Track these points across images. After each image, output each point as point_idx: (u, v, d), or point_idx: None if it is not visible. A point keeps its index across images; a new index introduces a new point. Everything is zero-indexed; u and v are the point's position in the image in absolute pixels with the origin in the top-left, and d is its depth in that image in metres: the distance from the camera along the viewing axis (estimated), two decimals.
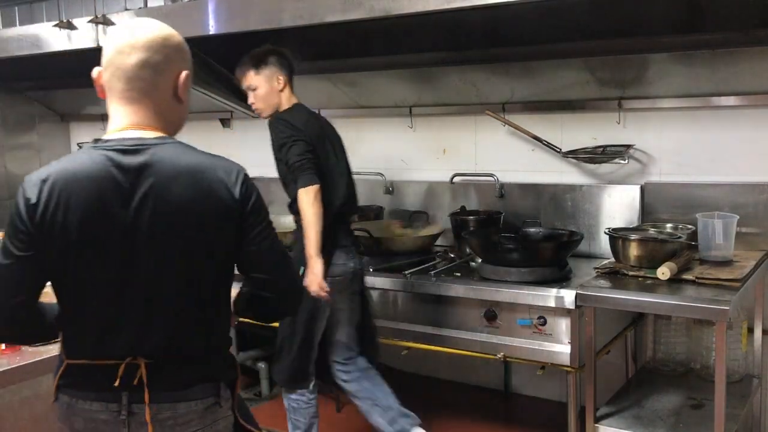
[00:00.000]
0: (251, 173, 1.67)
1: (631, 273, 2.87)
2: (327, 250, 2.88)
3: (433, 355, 3.54)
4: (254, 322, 1.95)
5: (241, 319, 1.84)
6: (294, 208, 2.92)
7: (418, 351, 3.27)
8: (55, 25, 3.70)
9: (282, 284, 1.69)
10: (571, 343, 2.85)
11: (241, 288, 1.73)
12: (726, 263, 2.91)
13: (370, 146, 4.23)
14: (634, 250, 2.92)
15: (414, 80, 3.83)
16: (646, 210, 3.39)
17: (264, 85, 3.01)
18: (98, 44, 3.59)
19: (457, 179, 3.91)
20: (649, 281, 2.79)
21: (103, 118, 6.00)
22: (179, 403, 1.58)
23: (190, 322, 1.60)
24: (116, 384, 1.54)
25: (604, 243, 3.25)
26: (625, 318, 3.26)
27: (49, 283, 1.61)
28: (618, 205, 3.44)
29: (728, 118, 3.25)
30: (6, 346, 2.17)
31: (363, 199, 4.14)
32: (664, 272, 2.74)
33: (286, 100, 3.06)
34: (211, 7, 3.18)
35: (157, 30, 1.60)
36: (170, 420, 1.58)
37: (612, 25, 3.15)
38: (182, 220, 1.54)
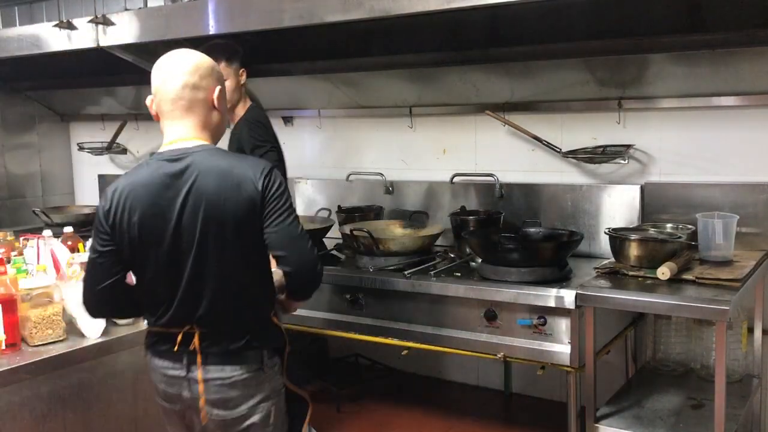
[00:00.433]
0: None
1: (631, 273, 2.87)
2: None
3: (433, 355, 3.55)
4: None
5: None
6: None
7: (418, 351, 3.27)
8: (55, 25, 3.70)
9: (296, 259, 1.94)
10: (571, 343, 2.85)
11: (277, 268, 2.00)
12: (726, 263, 2.91)
13: (370, 146, 4.23)
14: (634, 250, 2.92)
15: (414, 80, 3.83)
16: (646, 210, 3.39)
17: (233, 78, 3.11)
18: (98, 44, 3.58)
19: (457, 179, 3.91)
20: (649, 281, 2.79)
21: (103, 118, 6.03)
22: (226, 366, 1.92)
23: (232, 297, 1.92)
24: (175, 349, 1.92)
25: (604, 243, 3.25)
26: (625, 318, 3.26)
27: None
28: (618, 205, 3.44)
29: (728, 118, 3.25)
30: (6, 346, 2.17)
31: (363, 199, 4.17)
32: (664, 272, 2.74)
33: (243, 97, 3.20)
34: (211, 7, 3.17)
35: (190, 57, 1.96)
36: (218, 380, 1.92)
37: (612, 25, 3.16)
38: (216, 211, 1.87)
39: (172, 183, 1.89)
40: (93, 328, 2.32)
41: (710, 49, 3.00)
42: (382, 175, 4.12)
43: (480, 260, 3.19)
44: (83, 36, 3.62)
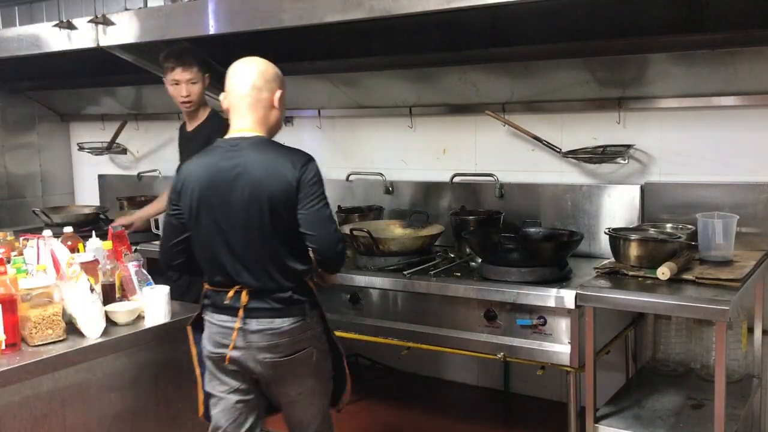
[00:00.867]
0: None
1: (631, 273, 2.87)
2: None
3: (433, 355, 3.55)
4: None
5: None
6: None
7: (418, 351, 3.27)
8: (55, 25, 3.69)
9: (320, 238, 2.30)
10: (571, 343, 2.85)
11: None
12: (726, 263, 2.91)
13: (370, 146, 4.23)
14: (634, 250, 2.92)
15: (414, 80, 3.83)
16: (646, 210, 3.39)
17: (201, 82, 3.46)
18: (98, 44, 3.58)
19: (457, 179, 3.91)
20: (649, 281, 2.79)
21: (103, 117, 6.03)
22: (275, 319, 2.29)
23: (274, 262, 2.28)
24: (228, 302, 2.29)
25: (604, 243, 3.25)
26: (625, 318, 3.26)
27: None
28: (618, 205, 3.44)
29: (728, 118, 3.25)
30: (6, 346, 2.17)
31: (363, 199, 4.17)
32: (664, 272, 2.74)
33: (204, 103, 3.56)
34: (211, 7, 3.17)
35: (259, 64, 2.39)
36: (269, 330, 2.29)
37: (612, 25, 3.15)
38: (260, 192, 2.25)
39: (227, 166, 2.29)
40: (93, 328, 2.32)
41: (710, 49, 2.99)
42: (382, 175, 4.12)
43: (480, 260, 3.19)
44: (83, 36, 3.62)
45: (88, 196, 5.69)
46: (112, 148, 5.33)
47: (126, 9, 3.60)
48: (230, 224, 2.27)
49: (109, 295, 2.54)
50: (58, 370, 2.18)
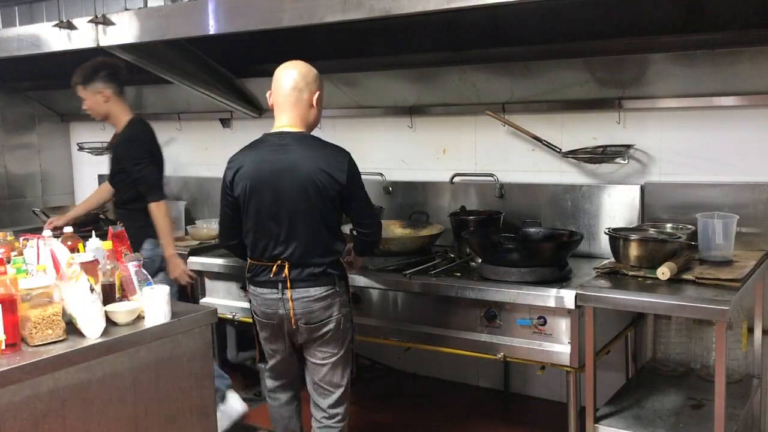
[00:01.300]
0: None
1: (631, 273, 2.87)
2: (140, 240, 3.55)
3: (433, 355, 3.54)
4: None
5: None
6: (123, 203, 3.76)
7: (418, 351, 3.27)
8: (55, 25, 3.69)
9: (370, 227, 2.86)
10: (571, 343, 2.85)
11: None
12: (726, 263, 2.91)
13: (370, 146, 4.23)
14: (634, 250, 2.92)
15: (414, 80, 3.83)
16: (646, 210, 3.39)
17: (90, 98, 3.68)
18: (98, 44, 3.58)
19: (457, 179, 3.91)
20: (649, 281, 2.79)
21: (103, 117, 5.95)
22: (311, 288, 2.70)
23: (313, 241, 2.68)
24: (272, 276, 2.70)
25: (604, 243, 3.25)
26: (625, 318, 3.26)
27: None
28: (618, 205, 3.44)
29: (728, 118, 3.25)
30: (6, 346, 2.17)
31: None
32: (664, 272, 2.74)
33: (120, 111, 3.71)
34: (211, 7, 3.17)
35: (300, 68, 2.75)
36: (306, 298, 2.70)
37: (612, 25, 3.16)
38: (306, 182, 2.63)
39: (274, 158, 2.66)
40: (93, 328, 2.32)
41: (710, 49, 3.00)
42: (382, 175, 4.12)
43: (480, 260, 3.19)
44: (83, 36, 3.62)
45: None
46: None
47: (126, 9, 3.60)
48: (278, 210, 2.65)
49: (109, 295, 2.53)
50: (58, 370, 2.18)
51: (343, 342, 2.82)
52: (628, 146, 3.41)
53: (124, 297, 2.57)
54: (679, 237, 3.00)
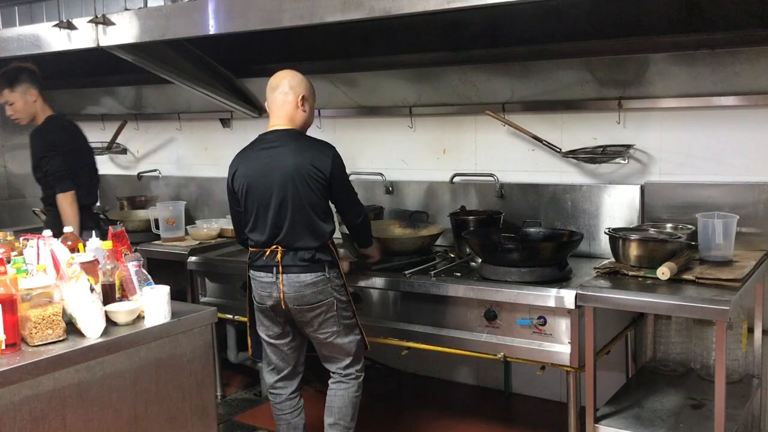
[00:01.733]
0: None
1: (631, 273, 2.87)
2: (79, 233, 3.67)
3: (433, 355, 3.54)
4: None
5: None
6: (47, 201, 3.93)
7: (418, 351, 3.27)
8: (55, 25, 3.69)
9: (353, 214, 3.08)
10: (571, 343, 2.85)
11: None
12: (726, 263, 2.91)
13: (370, 146, 4.23)
14: (634, 250, 2.92)
15: (414, 80, 3.83)
16: (646, 210, 3.39)
17: (20, 100, 3.86)
18: (98, 44, 3.58)
19: (457, 179, 3.91)
20: (649, 281, 2.79)
21: (103, 118, 6.02)
22: (302, 274, 2.88)
23: (302, 229, 2.88)
24: (265, 259, 2.92)
25: (604, 243, 3.25)
26: (625, 318, 3.26)
27: None
28: (618, 205, 3.44)
29: (728, 118, 3.25)
30: (6, 346, 2.17)
31: (363, 199, 4.15)
32: (664, 272, 2.74)
33: (41, 111, 3.89)
34: (211, 7, 3.17)
35: (287, 74, 3.00)
36: (296, 283, 2.88)
37: (612, 25, 3.15)
38: (293, 174, 2.86)
39: (266, 154, 2.92)
40: (93, 328, 2.32)
41: (710, 49, 3.00)
42: (382, 175, 4.12)
43: (480, 260, 3.19)
44: (83, 36, 3.62)
45: None
46: (112, 148, 5.33)
47: (126, 9, 3.59)
48: (271, 201, 2.87)
49: (109, 295, 2.53)
50: (58, 370, 2.18)
51: (340, 320, 2.97)
52: (628, 146, 3.41)
53: (124, 297, 2.57)
54: (679, 237, 2.99)
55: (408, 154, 4.14)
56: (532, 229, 3.37)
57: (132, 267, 2.58)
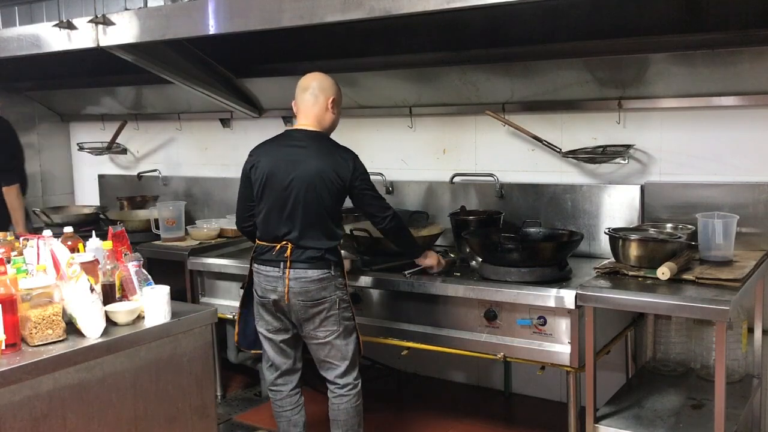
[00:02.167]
0: None
1: (631, 273, 2.87)
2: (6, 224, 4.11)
3: (433, 355, 3.54)
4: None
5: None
6: None
7: (418, 351, 3.27)
8: (55, 25, 3.69)
9: (383, 216, 3.01)
10: (571, 343, 2.85)
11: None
12: (726, 263, 2.91)
13: (370, 146, 4.23)
14: (634, 250, 2.92)
15: (414, 80, 3.83)
16: (646, 210, 3.39)
17: None
18: (98, 44, 3.58)
19: (457, 179, 3.91)
20: (649, 281, 2.79)
21: (103, 118, 6.02)
22: (308, 270, 2.90)
23: (314, 227, 2.90)
24: (274, 255, 2.91)
25: (604, 243, 3.25)
26: (625, 318, 3.26)
27: None
28: (618, 205, 3.44)
29: (728, 118, 3.25)
30: (6, 346, 2.17)
31: None
32: (664, 272, 2.74)
33: None
34: (211, 7, 3.17)
35: (317, 77, 3.01)
36: (303, 278, 2.89)
37: (612, 25, 3.16)
38: (314, 178, 2.88)
39: (291, 152, 2.94)
40: (93, 328, 2.32)
41: (710, 49, 3.00)
42: (382, 175, 4.12)
43: (480, 260, 3.19)
44: (83, 36, 3.62)
45: (88, 196, 5.69)
46: (112, 148, 5.33)
47: (126, 9, 3.60)
48: (287, 197, 2.89)
49: (109, 295, 2.53)
50: (58, 370, 2.18)
51: (341, 320, 2.96)
52: (628, 146, 3.41)
53: (124, 297, 2.57)
54: (679, 237, 2.99)
55: (408, 154, 4.14)
56: (532, 229, 3.37)
57: (132, 267, 2.58)
